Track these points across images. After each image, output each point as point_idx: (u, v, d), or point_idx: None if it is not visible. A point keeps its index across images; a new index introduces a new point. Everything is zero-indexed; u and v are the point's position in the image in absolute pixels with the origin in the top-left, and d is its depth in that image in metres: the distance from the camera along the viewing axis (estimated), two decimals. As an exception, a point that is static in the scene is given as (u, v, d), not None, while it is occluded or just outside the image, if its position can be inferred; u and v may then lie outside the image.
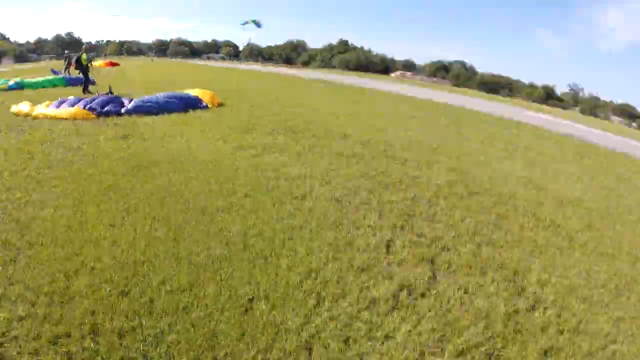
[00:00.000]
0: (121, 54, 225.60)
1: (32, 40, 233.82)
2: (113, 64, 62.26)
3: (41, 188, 6.09)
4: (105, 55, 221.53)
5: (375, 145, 10.10)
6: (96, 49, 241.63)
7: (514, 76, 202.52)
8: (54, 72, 28.34)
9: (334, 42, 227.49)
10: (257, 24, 59.11)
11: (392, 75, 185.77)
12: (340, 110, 16.08)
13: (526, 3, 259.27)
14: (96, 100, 12.52)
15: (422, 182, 7.65)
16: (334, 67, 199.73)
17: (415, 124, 15.11)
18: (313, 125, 11.70)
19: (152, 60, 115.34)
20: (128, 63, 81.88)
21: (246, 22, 59.47)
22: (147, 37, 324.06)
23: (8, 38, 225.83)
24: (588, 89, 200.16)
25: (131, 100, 13.10)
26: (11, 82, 21.48)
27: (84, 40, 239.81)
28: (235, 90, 20.84)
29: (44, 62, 72.71)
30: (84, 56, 19.35)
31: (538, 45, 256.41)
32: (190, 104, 13.56)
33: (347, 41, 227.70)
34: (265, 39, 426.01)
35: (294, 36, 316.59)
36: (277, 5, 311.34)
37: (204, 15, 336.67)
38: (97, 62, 65.29)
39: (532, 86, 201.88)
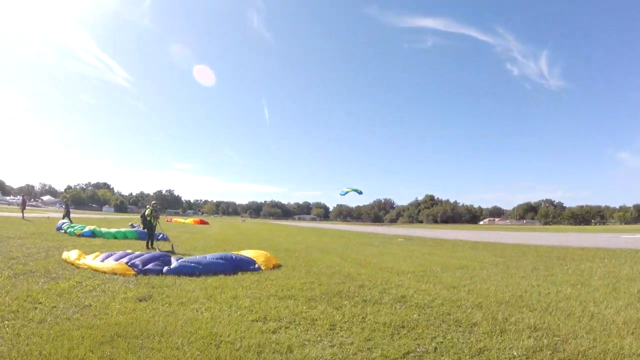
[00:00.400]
0: (217, 214, 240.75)
1: (134, 193, 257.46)
2: (203, 222, 64.98)
3: (14, 341, 5.43)
4: (202, 213, 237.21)
5: (438, 307, 8.06)
6: (193, 207, 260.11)
7: (603, 203, 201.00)
8: (132, 226, 29.31)
9: (421, 197, 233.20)
10: (358, 192, 60.39)
11: (481, 223, 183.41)
12: (411, 266, 14.22)
13: (604, 132, 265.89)
14: (140, 257, 11.97)
15: (492, 355, 5.52)
16: (421, 221, 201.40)
17: (496, 273, 13.02)
18: (368, 288, 10.04)
19: (244, 220, 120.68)
20: (219, 222, 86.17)
21: (347, 192, 61.19)
22: (243, 199, 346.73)
23: (112, 188, 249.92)
24: None
25: (179, 259, 12.50)
26: (86, 229, 22.30)
27: (183, 199, 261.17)
28: (302, 250, 20.06)
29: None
30: (148, 211, 19.48)
31: (623, 169, 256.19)
32: (242, 265, 12.65)
33: (433, 196, 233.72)
34: (354, 199, 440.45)
35: (382, 195, 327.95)
36: (365, 167, 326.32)
37: (296, 182, 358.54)
38: (187, 220, 69.08)
39: (623, 209, 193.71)
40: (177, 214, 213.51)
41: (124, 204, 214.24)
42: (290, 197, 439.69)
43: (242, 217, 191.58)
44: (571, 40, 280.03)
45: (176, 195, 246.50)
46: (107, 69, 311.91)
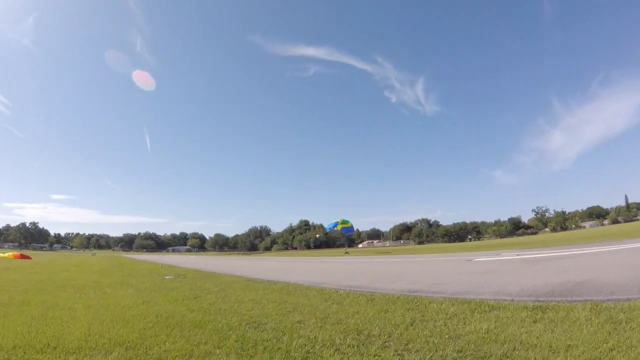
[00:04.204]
0: (87, 247, 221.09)
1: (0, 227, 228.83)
2: (23, 257, 55.83)
3: None
4: (72, 247, 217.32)
5: None
6: (62, 240, 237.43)
7: (480, 219, 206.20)
8: None
9: (295, 223, 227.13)
10: (347, 225, 52.67)
11: (360, 246, 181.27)
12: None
13: (479, 152, 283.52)
14: None
15: None
16: (295, 248, 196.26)
17: None
18: None
19: (94, 254, 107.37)
20: (52, 257, 69.40)
21: (336, 224, 52.87)
22: (121, 231, 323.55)
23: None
24: (553, 207, 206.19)
25: None
26: None
27: (54, 232, 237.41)
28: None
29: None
30: None
31: (498, 186, 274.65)
32: None
33: (307, 221, 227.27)
34: (231, 229, 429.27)
35: (261, 222, 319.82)
36: (248, 194, 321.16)
37: (180, 214, 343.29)
38: (6, 254, 59.20)
39: (497, 223, 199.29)
40: (42, 248, 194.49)
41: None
42: (173, 228, 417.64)
43: (92, 251, 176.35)
44: (446, 67, 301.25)
45: (41, 228, 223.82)
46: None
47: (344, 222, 52.66)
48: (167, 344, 5.62)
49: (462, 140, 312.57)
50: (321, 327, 6.10)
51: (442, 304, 7.33)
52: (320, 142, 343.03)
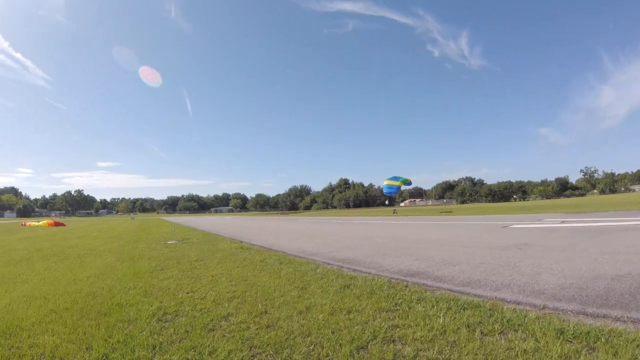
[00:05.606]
0: (132, 211, 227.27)
1: (47, 196, 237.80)
2: (57, 224, 56.24)
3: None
4: (117, 212, 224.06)
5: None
6: (108, 206, 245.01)
7: (526, 178, 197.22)
8: None
9: (335, 182, 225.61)
10: (407, 182, 52.03)
11: (402, 204, 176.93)
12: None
13: (525, 109, 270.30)
14: None
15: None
16: (334, 207, 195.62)
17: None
18: None
19: (133, 218, 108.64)
20: (88, 222, 70.24)
21: (397, 187, 52.50)
22: (166, 194, 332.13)
23: (20, 193, 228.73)
24: (602, 167, 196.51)
25: None
26: None
27: (100, 198, 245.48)
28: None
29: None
30: None
31: (545, 144, 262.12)
32: None
33: (347, 179, 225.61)
34: (272, 189, 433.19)
35: (303, 182, 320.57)
36: (290, 153, 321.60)
37: (223, 175, 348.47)
38: (41, 222, 59.98)
39: (544, 183, 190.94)
40: (89, 214, 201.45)
41: (28, 208, 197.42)
42: (216, 189, 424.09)
43: (131, 214, 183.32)
44: (491, 19, 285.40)
45: (86, 195, 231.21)
46: (23, 69, 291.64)
47: (404, 180, 51.13)
48: (46, 335, 4.57)
49: (508, 96, 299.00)
50: (242, 330, 4.21)
51: (433, 305, 4.84)
52: (363, 99, 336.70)
